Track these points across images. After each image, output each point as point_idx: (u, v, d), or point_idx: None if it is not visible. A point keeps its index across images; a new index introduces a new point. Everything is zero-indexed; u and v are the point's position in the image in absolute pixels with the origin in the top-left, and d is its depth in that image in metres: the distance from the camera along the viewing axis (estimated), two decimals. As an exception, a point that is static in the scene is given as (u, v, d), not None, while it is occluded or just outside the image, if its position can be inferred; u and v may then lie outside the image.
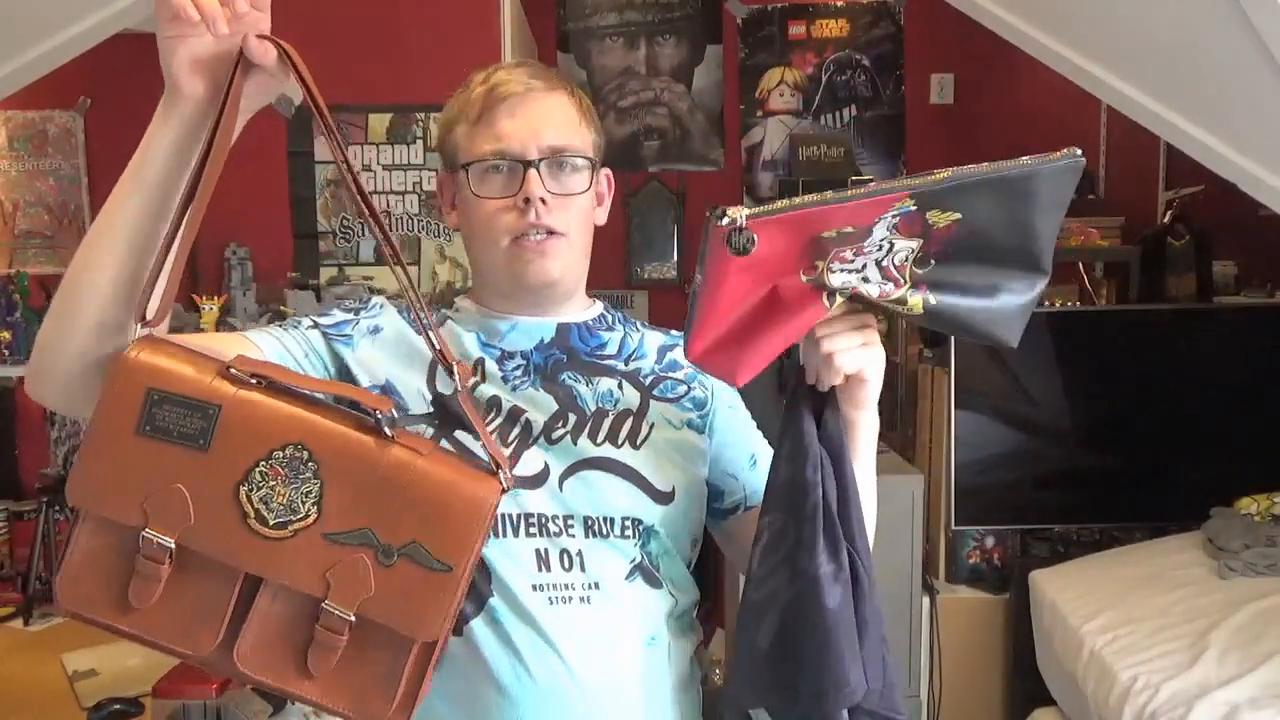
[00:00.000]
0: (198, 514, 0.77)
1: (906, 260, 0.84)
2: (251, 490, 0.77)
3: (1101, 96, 2.27)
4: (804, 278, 0.84)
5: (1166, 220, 2.99)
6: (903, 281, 0.85)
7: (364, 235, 2.76)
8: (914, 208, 0.81)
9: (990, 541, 2.81)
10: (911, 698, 2.54)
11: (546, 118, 1.02)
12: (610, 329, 1.10)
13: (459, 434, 0.97)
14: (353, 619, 0.78)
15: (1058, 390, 2.75)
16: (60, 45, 2.23)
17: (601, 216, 1.11)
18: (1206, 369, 2.73)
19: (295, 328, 1.01)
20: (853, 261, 0.84)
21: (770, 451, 1.11)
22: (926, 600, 2.65)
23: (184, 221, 0.80)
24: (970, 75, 3.49)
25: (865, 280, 0.85)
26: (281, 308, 2.64)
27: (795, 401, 0.93)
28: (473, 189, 1.01)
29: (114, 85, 2.76)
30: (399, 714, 0.81)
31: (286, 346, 0.98)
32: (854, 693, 0.88)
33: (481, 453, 0.90)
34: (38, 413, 2.91)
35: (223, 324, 2.59)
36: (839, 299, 0.85)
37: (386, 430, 0.80)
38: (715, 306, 0.84)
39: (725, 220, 0.78)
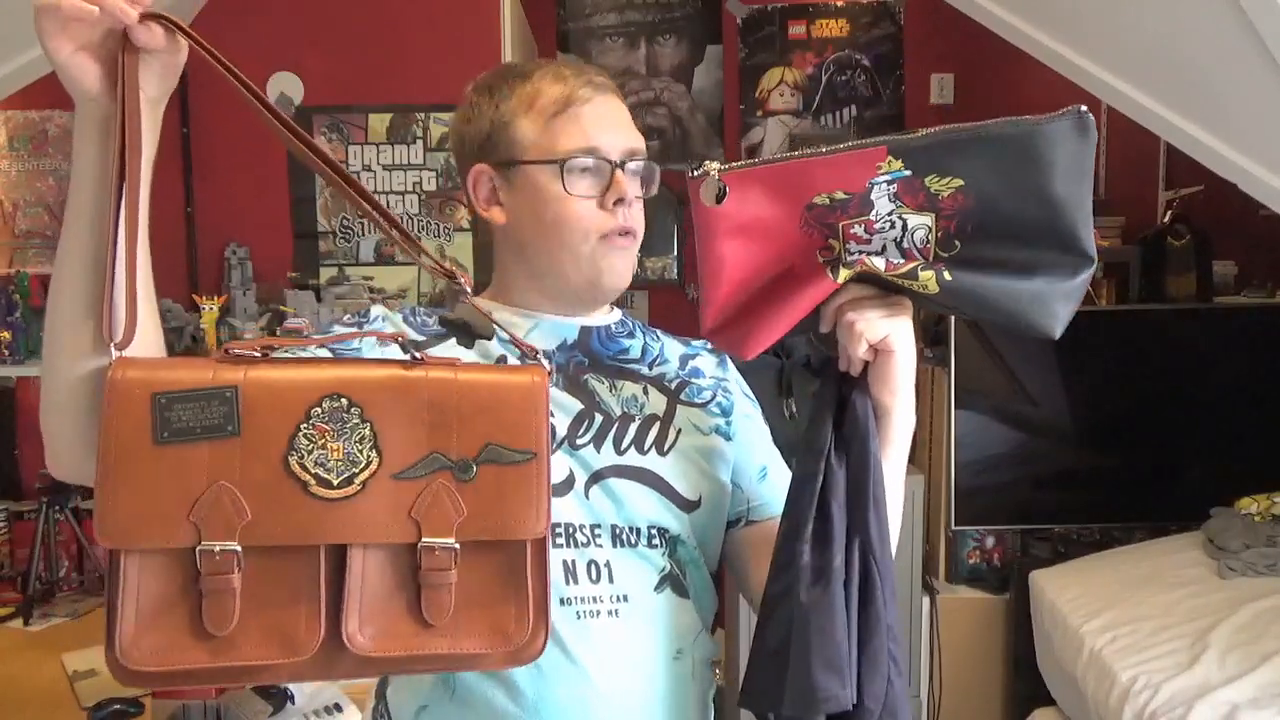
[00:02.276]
0: (253, 505, 0.70)
1: (929, 241, 0.83)
2: (302, 457, 0.71)
3: (1101, 96, 2.27)
4: (820, 259, 0.85)
5: (1166, 220, 2.99)
6: (923, 261, 0.84)
7: (364, 235, 2.76)
8: (908, 172, 0.81)
9: (990, 541, 2.82)
10: (912, 698, 2.55)
11: (624, 119, 1.01)
12: (631, 335, 1.08)
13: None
14: (457, 547, 0.73)
15: (1058, 390, 2.76)
16: (60, 45, 2.22)
17: None
18: (1206, 369, 2.74)
19: (303, 351, 0.98)
20: (869, 241, 0.84)
21: (783, 465, 1.10)
22: (926, 600, 2.65)
23: (120, 231, 0.72)
24: (970, 75, 3.48)
25: (881, 253, 0.84)
26: (281, 308, 2.64)
27: (823, 392, 0.91)
28: (566, 186, 0.98)
29: (114, 85, 2.74)
30: (538, 627, 0.76)
31: None
32: (824, 705, 0.81)
33: None
34: (38, 413, 2.90)
35: (223, 324, 2.59)
36: (845, 271, 0.84)
37: (414, 354, 0.77)
38: (717, 273, 0.85)
39: (699, 172, 0.83)
